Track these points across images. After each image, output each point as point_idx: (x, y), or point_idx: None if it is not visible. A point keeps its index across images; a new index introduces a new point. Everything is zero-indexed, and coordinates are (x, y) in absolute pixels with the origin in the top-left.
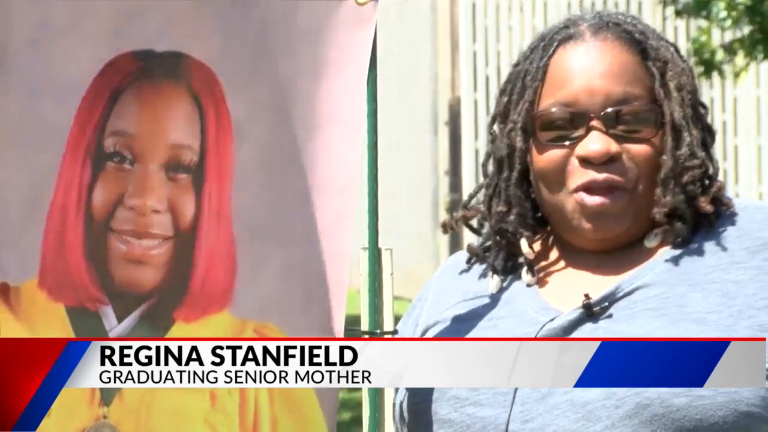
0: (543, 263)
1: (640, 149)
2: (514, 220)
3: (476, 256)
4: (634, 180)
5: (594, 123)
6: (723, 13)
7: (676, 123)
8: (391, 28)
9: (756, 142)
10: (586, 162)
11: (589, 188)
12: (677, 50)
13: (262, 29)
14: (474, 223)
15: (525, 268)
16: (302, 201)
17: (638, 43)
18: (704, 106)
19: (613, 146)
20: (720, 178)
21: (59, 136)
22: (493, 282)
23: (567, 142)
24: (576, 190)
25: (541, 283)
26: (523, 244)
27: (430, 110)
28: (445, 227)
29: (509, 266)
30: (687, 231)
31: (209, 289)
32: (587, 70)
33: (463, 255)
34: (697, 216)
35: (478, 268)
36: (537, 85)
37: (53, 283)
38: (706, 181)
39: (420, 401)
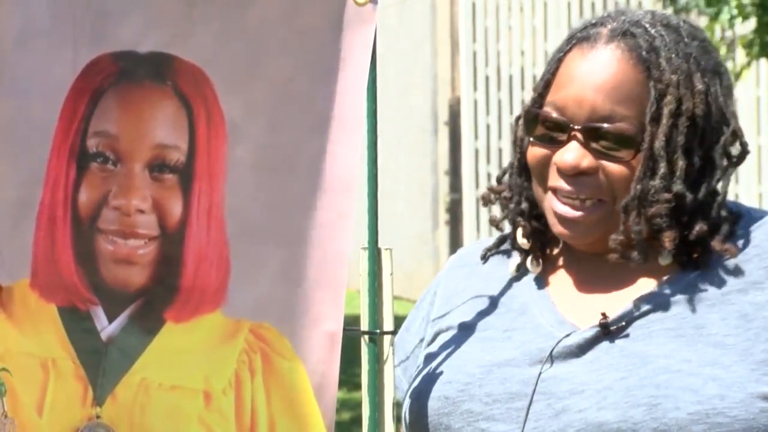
0: (556, 262)
1: (615, 169)
2: (513, 207)
3: (498, 228)
4: (610, 195)
5: (575, 133)
6: (734, 11)
7: (654, 151)
8: (390, 28)
9: (756, 142)
10: (559, 169)
11: (559, 193)
12: (704, 70)
13: (261, 29)
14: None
15: (529, 257)
16: (301, 201)
17: (644, 60)
18: (723, 126)
19: (586, 161)
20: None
21: (47, 136)
22: (512, 263)
23: (552, 144)
24: (549, 189)
25: (555, 286)
26: (518, 234)
27: (429, 110)
28: (485, 200)
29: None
30: (644, 261)
31: (200, 289)
32: (584, 79)
33: (473, 250)
34: (711, 232)
35: (493, 263)
36: (548, 78)
37: (44, 283)
38: (716, 213)
39: (431, 413)
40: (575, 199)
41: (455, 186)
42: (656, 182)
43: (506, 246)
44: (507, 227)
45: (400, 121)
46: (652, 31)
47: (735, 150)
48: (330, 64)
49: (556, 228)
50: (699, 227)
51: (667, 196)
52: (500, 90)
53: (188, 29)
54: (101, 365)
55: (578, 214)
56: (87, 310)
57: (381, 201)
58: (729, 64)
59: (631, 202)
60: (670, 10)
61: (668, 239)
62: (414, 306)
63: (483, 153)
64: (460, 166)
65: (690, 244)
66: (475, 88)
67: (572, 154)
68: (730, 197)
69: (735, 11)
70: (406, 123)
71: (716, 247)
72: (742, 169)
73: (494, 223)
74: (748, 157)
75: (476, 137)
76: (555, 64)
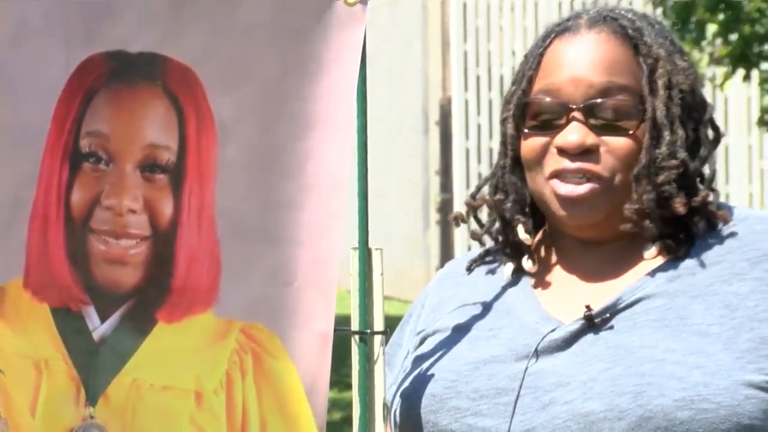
0: (542, 261)
1: (619, 141)
2: (510, 207)
3: (480, 242)
4: (610, 171)
5: (575, 114)
6: (696, 35)
7: (658, 120)
8: (381, 28)
9: (747, 141)
10: (562, 151)
11: (562, 175)
12: (681, 51)
13: (251, 29)
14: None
15: (525, 256)
16: (291, 201)
17: (631, 38)
18: (704, 108)
19: (590, 138)
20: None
21: (40, 137)
22: (507, 269)
23: (549, 131)
24: (549, 177)
25: (541, 285)
26: (520, 230)
27: (420, 110)
28: (457, 220)
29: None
30: (657, 230)
31: (191, 289)
32: (575, 59)
33: (460, 262)
34: (695, 224)
35: (479, 273)
36: (531, 74)
37: (37, 283)
38: (700, 186)
39: (418, 412)
40: (581, 177)
41: (446, 186)
42: (663, 150)
43: (490, 258)
44: (489, 242)
45: (391, 121)
46: (629, 15)
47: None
48: (320, 63)
49: (560, 212)
50: (704, 192)
51: (674, 162)
52: (491, 90)
53: (178, 29)
54: (93, 365)
55: (583, 189)
56: (79, 310)
57: (371, 201)
58: (708, 72)
59: (642, 170)
60: (659, 11)
61: (680, 204)
62: (402, 321)
63: (474, 153)
64: (451, 166)
65: (676, 226)
66: (466, 88)
67: (576, 133)
68: (721, 198)
69: (697, 35)
70: (397, 123)
71: (714, 211)
72: (733, 168)
73: (476, 237)
74: (739, 157)
75: (467, 137)
76: (536, 59)
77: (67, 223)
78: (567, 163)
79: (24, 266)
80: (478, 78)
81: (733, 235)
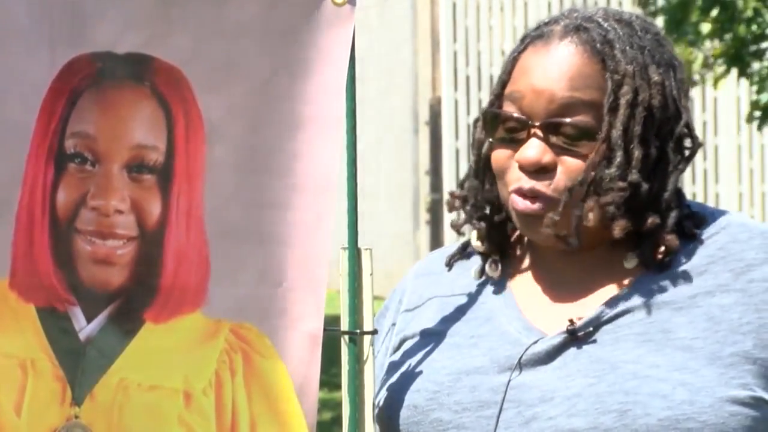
0: (523, 266)
1: (574, 164)
2: (469, 210)
3: (460, 233)
4: (563, 191)
5: (535, 130)
6: (691, 37)
7: (611, 140)
8: (371, 28)
9: (736, 141)
10: (521, 167)
11: (520, 192)
12: (659, 63)
13: (238, 29)
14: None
15: (488, 262)
16: (280, 201)
17: (599, 53)
18: (677, 120)
19: (547, 157)
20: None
21: (25, 137)
22: (474, 267)
23: (512, 144)
24: (511, 192)
25: (522, 289)
26: (473, 236)
27: (410, 110)
28: (450, 206)
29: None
30: (578, 245)
31: (179, 289)
32: (541, 71)
33: (438, 256)
34: (678, 233)
35: (458, 269)
36: (504, 78)
37: (23, 283)
38: (670, 209)
39: (398, 422)
40: (535, 195)
41: (436, 186)
42: (612, 170)
43: (470, 251)
44: (468, 231)
45: (380, 121)
46: (605, 25)
47: (687, 143)
48: (308, 63)
49: (520, 226)
50: (651, 219)
51: (622, 184)
52: (481, 90)
53: (166, 29)
54: (79, 366)
55: (537, 206)
56: (65, 310)
57: (361, 201)
58: (701, 73)
59: (579, 187)
60: (647, 11)
61: (619, 228)
62: (379, 313)
63: (463, 153)
64: (441, 166)
65: (647, 239)
66: (456, 88)
67: (534, 150)
68: (711, 198)
69: (693, 37)
70: (387, 123)
71: (667, 240)
72: (722, 168)
73: (455, 228)
74: (729, 156)
75: (457, 137)
76: (510, 64)
77: (52, 224)
78: (524, 181)
79: (9, 267)
80: (467, 78)
81: (716, 243)
